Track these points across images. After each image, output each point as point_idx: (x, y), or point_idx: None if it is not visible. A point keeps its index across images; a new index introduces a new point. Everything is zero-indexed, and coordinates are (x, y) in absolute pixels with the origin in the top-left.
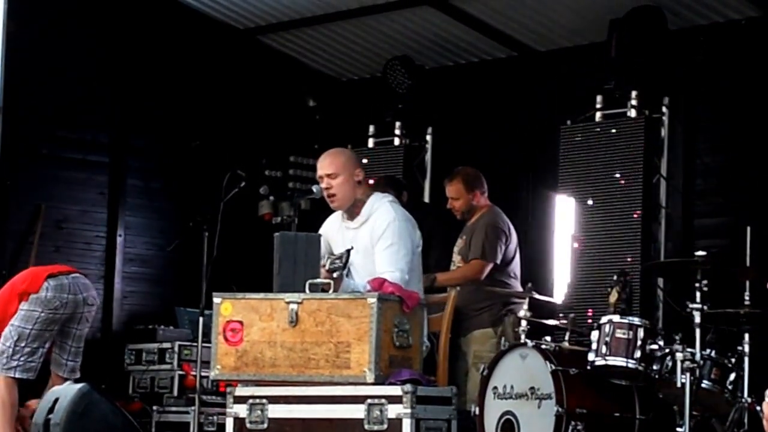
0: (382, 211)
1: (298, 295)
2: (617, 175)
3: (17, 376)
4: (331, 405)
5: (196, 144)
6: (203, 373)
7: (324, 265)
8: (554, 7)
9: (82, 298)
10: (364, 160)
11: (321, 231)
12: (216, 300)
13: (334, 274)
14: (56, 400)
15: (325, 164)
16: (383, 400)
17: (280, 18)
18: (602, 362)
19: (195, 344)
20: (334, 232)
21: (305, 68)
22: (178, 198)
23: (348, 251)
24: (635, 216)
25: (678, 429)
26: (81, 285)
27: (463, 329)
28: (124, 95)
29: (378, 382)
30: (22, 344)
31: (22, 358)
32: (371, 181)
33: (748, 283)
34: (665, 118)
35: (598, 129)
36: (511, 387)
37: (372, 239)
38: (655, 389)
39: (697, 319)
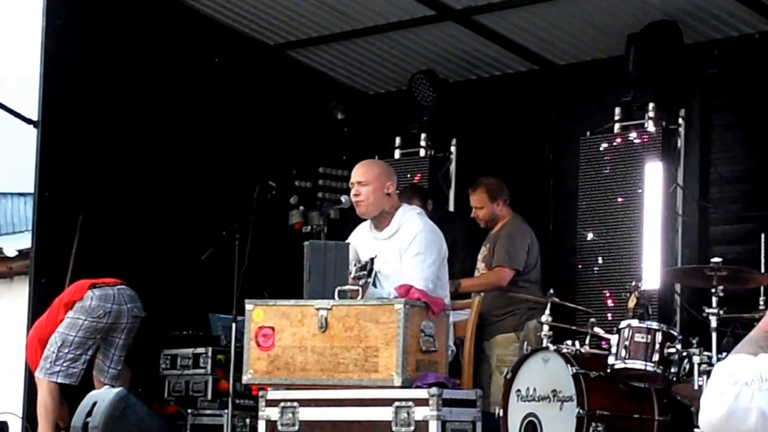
0: (410, 223)
1: (327, 301)
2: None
3: (59, 381)
4: (360, 408)
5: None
6: (236, 378)
7: (350, 273)
8: (574, 23)
9: (126, 309)
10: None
11: (349, 240)
12: (248, 306)
13: (360, 282)
14: (95, 404)
15: (359, 172)
16: (410, 403)
17: (310, 34)
18: (622, 365)
19: (228, 349)
20: (363, 242)
21: (333, 82)
22: (211, 208)
23: (372, 260)
24: None
25: (696, 430)
26: (126, 296)
27: (486, 334)
28: (158, 109)
29: (405, 385)
30: (66, 350)
31: (65, 364)
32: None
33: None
34: (681, 130)
35: (617, 140)
36: (534, 390)
37: (400, 250)
38: (673, 391)
39: (714, 324)
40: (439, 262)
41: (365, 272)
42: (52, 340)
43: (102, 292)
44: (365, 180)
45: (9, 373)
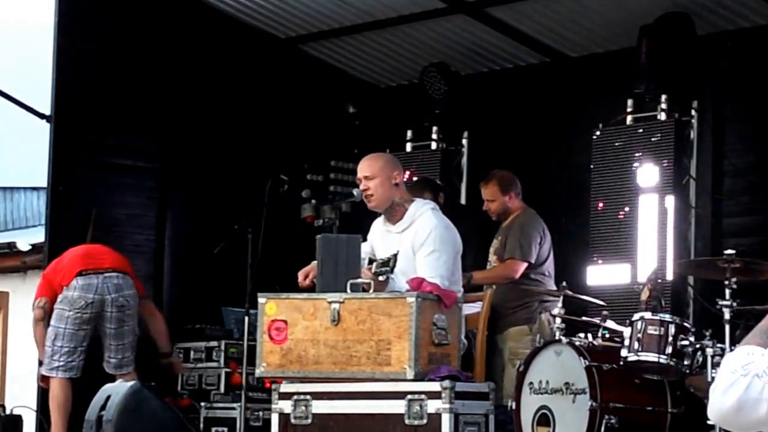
0: (424, 219)
1: (339, 294)
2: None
3: (60, 376)
4: (373, 401)
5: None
6: (249, 371)
7: (371, 269)
8: (586, 15)
9: (110, 299)
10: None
11: (369, 235)
12: (261, 300)
13: (380, 278)
14: (108, 398)
15: (363, 167)
16: (423, 396)
17: (321, 27)
18: (635, 358)
19: (241, 342)
20: (377, 235)
21: (345, 76)
22: (223, 202)
23: (395, 255)
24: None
25: (709, 422)
26: (112, 286)
27: (498, 327)
28: (170, 103)
29: (418, 378)
30: (59, 344)
31: (62, 359)
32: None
33: None
34: (694, 121)
35: (630, 132)
36: (547, 382)
37: (414, 246)
38: (687, 384)
39: (727, 315)
40: (453, 258)
41: (388, 268)
42: (48, 334)
43: (85, 282)
44: (371, 173)
45: (23, 367)
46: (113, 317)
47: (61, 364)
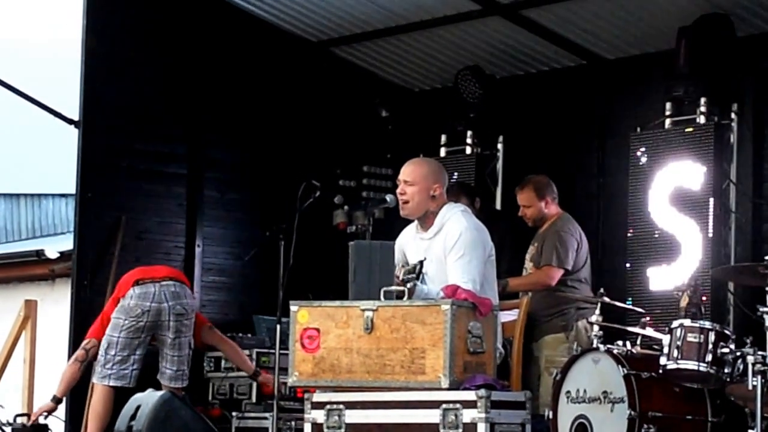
0: (454, 222)
1: (373, 302)
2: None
3: (111, 384)
4: (407, 410)
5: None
6: (281, 380)
7: (398, 276)
8: (623, 16)
9: (167, 306)
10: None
11: (397, 241)
12: (293, 308)
13: (408, 285)
14: (138, 407)
15: (406, 171)
16: (458, 405)
17: (353, 30)
18: (674, 366)
19: (273, 351)
20: (409, 243)
21: (378, 79)
22: (254, 208)
23: (421, 262)
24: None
25: (750, 431)
26: (169, 294)
27: (535, 334)
28: (200, 108)
29: (453, 387)
30: (112, 352)
31: (114, 367)
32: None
33: None
34: (734, 124)
35: (668, 136)
36: (584, 391)
37: (444, 249)
38: (727, 392)
39: None
40: (484, 259)
41: (414, 275)
42: (101, 344)
43: (142, 290)
44: (411, 180)
45: (52, 376)
46: (171, 326)
47: (113, 372)
